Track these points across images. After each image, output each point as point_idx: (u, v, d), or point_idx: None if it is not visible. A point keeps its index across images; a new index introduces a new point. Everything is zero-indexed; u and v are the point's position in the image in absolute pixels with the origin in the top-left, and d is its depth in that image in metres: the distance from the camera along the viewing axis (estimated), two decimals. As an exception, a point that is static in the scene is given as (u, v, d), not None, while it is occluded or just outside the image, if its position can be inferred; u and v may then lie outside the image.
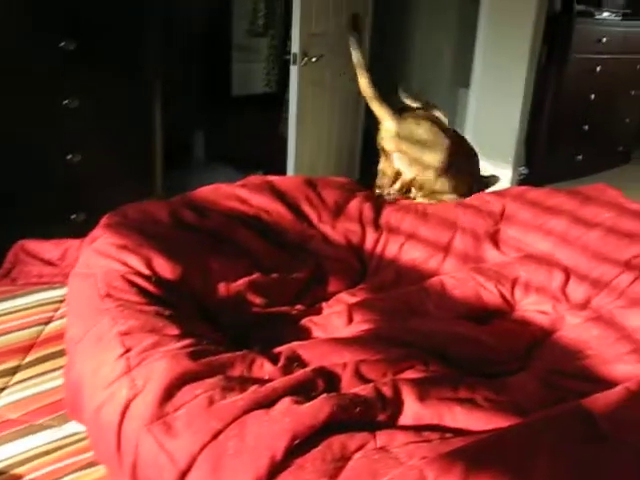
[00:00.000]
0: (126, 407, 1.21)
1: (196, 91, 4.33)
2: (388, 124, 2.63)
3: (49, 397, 1.51)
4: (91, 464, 1.32)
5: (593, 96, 5.39)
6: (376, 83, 2.70)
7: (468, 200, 2.47)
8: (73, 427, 1.42)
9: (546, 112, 5.13)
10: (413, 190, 2.65)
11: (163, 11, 3.32)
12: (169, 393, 1.20)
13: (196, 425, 1.13)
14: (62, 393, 1.48)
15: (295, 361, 1.41)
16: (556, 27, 4.96)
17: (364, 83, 2.68)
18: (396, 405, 1.27)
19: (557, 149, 5.28)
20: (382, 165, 2.72)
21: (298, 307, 1.85)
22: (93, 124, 3.12)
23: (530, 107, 4.80)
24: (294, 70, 3.73)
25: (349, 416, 1.19)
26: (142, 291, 1.58)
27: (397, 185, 2.63)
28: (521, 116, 4.71)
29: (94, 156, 3.14)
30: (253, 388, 1.22)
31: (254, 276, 1.86)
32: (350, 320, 1.73)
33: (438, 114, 2.69)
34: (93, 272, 1.66)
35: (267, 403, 1.18)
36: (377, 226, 2.29)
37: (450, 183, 2.62)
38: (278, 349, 1.47)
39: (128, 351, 1.33)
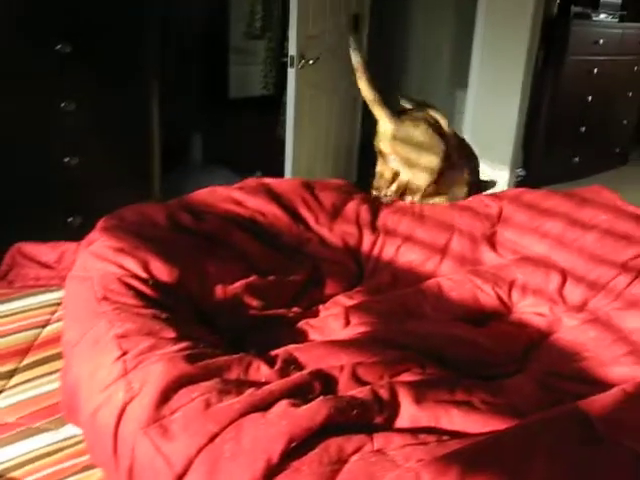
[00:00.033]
0: (123, 410, 1.21)
1: (194, 93, 4.33)
2: (386, 126, 2.63)
3: (46, 400, 1.51)
4: (88, 467, 1.32)
5: (590, 98, 5.40)
6: (376, 85, 2.70)
7: (465, 202, 2.48)
8: (70, 430, 1.42)
9: (543, 114, 5.14)
10: (408, 192, 2.65)
11: (160, 14, 3.32)
12: (166, 396, 1.20)
13: (192, 428, 1.13)
14: (59, 396, 1.48)
15: (292, 364, 1.41)
16: (553, 29, 4.98)
17: (364, 85, 2.68)
18: (393, 408, 1.28)
19: (554, 151, 5.29)
20: (379, 167, 2.72)
21: (295, 310, 1.85)
22: (90, 127, 3.12)
23: (527, 109, 4.81)
24: (291, 72, 3.74)
25: (346, 419, 1.19)
26: (139, 294, 1.58)
27: (394, 187, 2.63)
28: (518, 118, 4.71)
29: (91, 159, 3.13)
30: (250, 391, 1.22)
31: (251, 279, 1.86)
32: (347, 322, 1.73)
33: (438, 117, 2.69)
34: (90, 275, 1.66)
35: (264, 406, 1.18)
36: (374, 228, 2.29)
37: (447, 186, 2.62)
38: (275, 352, 1.47)
39: (125, 354, 1.33)
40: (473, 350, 1.65)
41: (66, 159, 3.05)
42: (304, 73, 3.79)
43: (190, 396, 1.20)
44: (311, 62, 3.81)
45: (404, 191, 2.65)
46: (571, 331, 1.76)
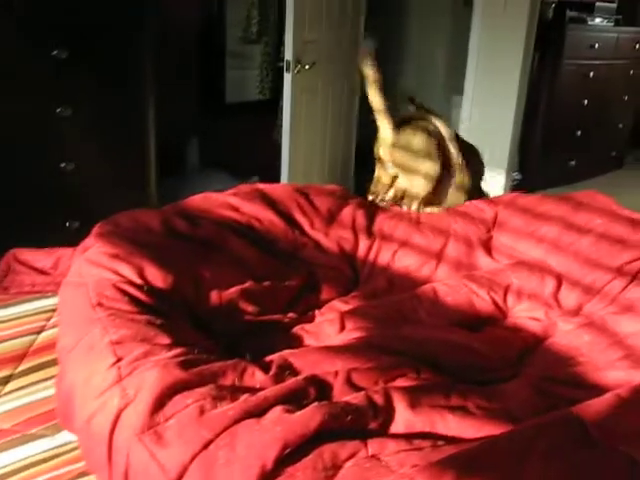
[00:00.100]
0: (117, 417, 1.21)
1: (190, 98, 4.32)
2: (386, 133, 2.65)
3: (42, 406, 1.50)
4: (83, 474, 1.32)
5: (586, 101, 5.40)
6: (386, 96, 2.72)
7: (461, 207, 2.48)
8: (66, 437, 1.42)
9: (539, 118, 5.15)
10: (406, 200, 2.67)
11: (157, 19, 3.33)
12: (160, 403, 1.20)
13: (187, 435, 1.13)
14: (55, 402, 1.48)
15: (287, 369, 1.41)
16: (549, 33, 4.98)
17: (375, 94, 2.70)
18: (387, 413, 1.28)
19: (550, 154, 5.30)
20: (377, 172, 2.74)
21: (290, 315, 1.85)
22: (86, 132, 3.12)
23: (523, 113, 4.82)
24: (287, 77, 3.74)
25: (340, 424, 1.19)
26: (134, 300, 1.58)
27: (391, 193, 2.65)
28: (514, 122, 4.72)
29: (88, 164, 3.13)
30: (244, 397, 1.22)
31: (246, 284, 1.86)
32: (342, 328, 1.73)
33: (439, 125, 2.70)
34: (85, 281, 1.66)
35: (258, 412, 1.18)
36: (370, 233, 2.30)
37: (444, 194, 2.64)
38: (270, 357, 1.47)
39: (119, 360, 1.33)
40: (468, 355, 1.65)
41: (62, 164, 3.05)
42: (300, 78, 3.79)
43: (185, 402, 1.20)
44: (307, 67, 3.81)
45: (401, 198, 2.66)
46: (566, 335, 1.76)
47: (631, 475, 1.11)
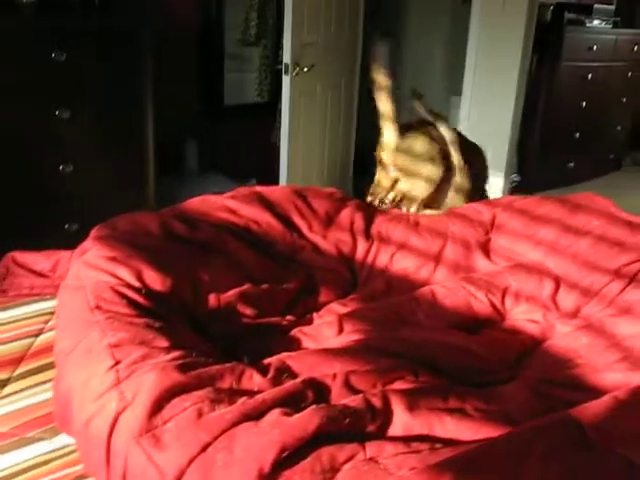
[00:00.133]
0: (115, 420, 1.21)
1: (189, 101, 4.33)
2: (390, 137, 2.66)
3: (40, 410, 1.50)
4: (81, 477, 1.32)
5: (584, 103, 5.41)
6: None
7: (459, 209, 2.48)
8: (64, 440, 1.41)
9: (538, 120, 5.16)
10: (405, 201, 2.69)
11: (156, 20, 3.33)
12: (158, 406, 1.20)
13: (185, 438, 1.13)
14: (52, 405, 1.48)
15: (285, 372, 1.41)
16: (547, 35, 4.99)
17: (384, 101, 2.71)
18: (386, 416, 1.28)
19: (549, 156, 5.30)
20: (378, 175, 2.75)
21: (289, 318, 1.85)
22: (85, 134, 3.13)
23: (521, 115, 4.83)
24: (286, 80, 3.74)
25: (338, 427, 1.19)
26: (132, 303, 1.58)
27: (390, 195, 2.66)
28: (512, 124, 4.73)
29: (87, 166, 3.14)
30: (242, 400, 1.22)
31: (244, 287, 1.86)
32: (340, 330, 1.73)
33: (443, 129, 2.72)
34: (83, 284, 1.66)
35: (256, 415, 1.18)
36: (368, 236, 2.30)
37: (443, 197, 2.66)
38: (268, 360, 1.47)
39: (117, 363, 1.33)
40: (466, 357, 1.65)
41: (61, 166, 3.05)
42: (299, 80, 3.80)
43: (182, 405, 1.20)
44: (306, 69, 3.81)
45: (400, 200, 2.67)
46: (564, 338, 1.76)
47: (629, 477, 1.11)
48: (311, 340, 1.71)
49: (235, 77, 4.58)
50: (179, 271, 1.78)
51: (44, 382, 1.59)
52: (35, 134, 2.97)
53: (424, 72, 5.74)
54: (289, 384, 1.32)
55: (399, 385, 1.43)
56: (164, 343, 1.41)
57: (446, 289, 1.98)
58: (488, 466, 1.10)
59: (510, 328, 1.87)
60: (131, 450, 1.15)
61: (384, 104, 2.71)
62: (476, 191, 2.78)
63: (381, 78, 2.72)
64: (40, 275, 2.07)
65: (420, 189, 2.66)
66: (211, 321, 1.73)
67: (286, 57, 3.69)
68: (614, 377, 1.53)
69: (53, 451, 1.39)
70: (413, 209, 2.63)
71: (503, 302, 1.96)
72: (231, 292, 1.82)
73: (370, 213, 2.42)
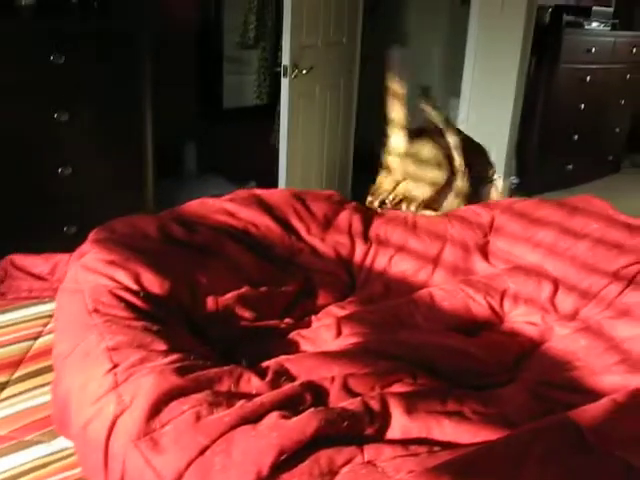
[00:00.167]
0: (113, 423, 1.21)
1: (188, 103, 4.33)
2: (399, 143, 2.69)
3: (38, 413, 1.50)
4: (79, 480, 1.32)
5: (583, 106, 5.42)
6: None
7: (458, 212, 2.49)
8: (62, 443, 1.41)
9: (536, 122, 5.16)
10: (405, 202, 2.71)
11: (154, 23, 3.33)
12: (156, 409, 1.19)
13: (183, 441, 1.13)
14: (51, 409, 1.48)
15: (283, 375, 1.41)
16: (545, 38, 5.00)
17: (398, 109, 2.76)
18: (384, 419, 1.27)
19: (548, 158, 5.31)
20: (380, 178, 2.80)
21: (287, 321, 1.84)
22: (84, 137, 3.13)
23: (520, 117, 4.83)
24: (285, 82, 3.75)
25: (336, 430, 1.19)
26: (130, 306, 1.58)
27: (391, 196, 2.69)
28: (511, 126, 4.73)
29: (85, 169, 3.14)
30: (240, 403, 1.22)
31: (243, 290, 1.85)
32: (339, 333, 1.72)
33: (449, 135, 2.79)
34: (81, 288, 1.65)
35: (254, 418, 1.18)
36: (366, 238, 2.29)
37: (444, 198, 2.72)
38: (266, 363, 1.46)
39: (116, 367, 1.33)
40: (465, 360, 1.65)
41: (60, 169, 3.05)
42: (298, 83, 3.80)
43: (181, 409, 1.19)
44: (305, 72, 3.82)
45: (400, 201, 2.70)
46: (562, 340, 1.76)
47: (627, 480, 1.11)
48: (309, 343, 1.71)
49: (234, 79, 4.58)
50: (177, 274, 1.78)
51: (43, 385, 1.58)
52: (34, 136, 2.97)
53: (423, 73, 5.75)
54: (287, 387, 1.32)
55: (397, 388, 1.43)
56: (162, 346, 1.41)
57: (444, 291, 1.98)
58: (486, 469, 1.10)
59: (509, 330, 1.87)
60: (129, 453, 1.15)
61: (397, 112, 2.74)
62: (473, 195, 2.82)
63: (396, 86, 2.76)
64: (39, 278, 2.07)
65: (422, 191, 2.73)
66: (209, 324, 1.72)
67: (285, 59, 3.70)
68: (612, 380, 1.53)
69: (52, 454, 1.39)
70: (412, 208, 2.65)
71: (502, 304, 1.96)
72: (229, 295, 1.82)
73: (368, 215, 2.42)
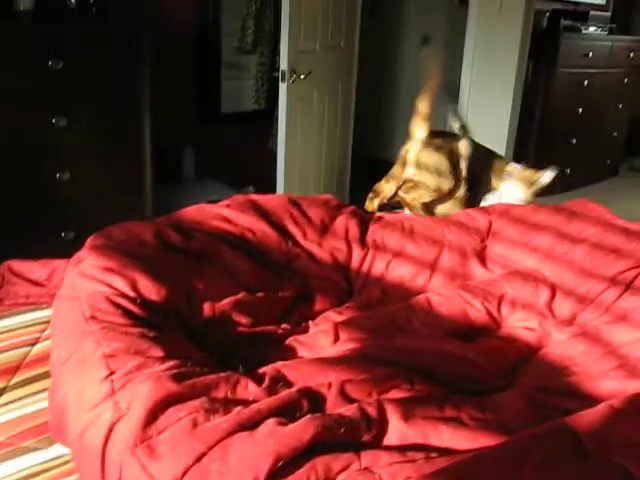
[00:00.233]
0: (110, 430, 1.21)
1: (186, 108, 4.33)
2: (420, 132, 2.88)
3: (36, 419, 1.50)
4: (76, 487, 1.32)
5: (581, 110, 5.43)
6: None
7: (455, 216, 2.49)
8: (59, 450, 1.41)
9: (534, 126, 5.17)
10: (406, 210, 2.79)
11: (153, 28, 3.34)
12: (153, 416, 1.19)
13: (179, 448, 1.13)
14: (48, 415, 1.48)
15: (280, 381, 1.41)
16: (543, 42, 5.01)
17: (427, 102, 2.93)
18: (381, 425, 1.27)
19: (545, 162, 5.29)
20: (382, 184, 2.92)
21: (284, 326, 1.84)
22: (82, 142, 3.13)
23: (518, 121, 4.83)
24: (283, 87, 3.75)
25: (333, 437, 1.19)
26: (127, 313, 1.58)
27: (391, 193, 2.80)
28: (509, 130, 4.73)
29: (83, 174, 3.14)
30: (237, 410, 1.22)
31: (239, 296, 1.85)
32: (336, 339, 1.72)
33: (461, 145, 2.93)
34: (78, 295, 1.65)
35: (251, 425, 1.18)
36: (363, 244, 2.29)
37: (442, 202, 2.82)
38: (263, 369, 1.46)
39: (112, 373, 1.33)
40: (462, 366, 1.65)
41: (58, 174, 3.05)
42: (296, 87, 3.81)
43: (177, 415, 1.19)
44: (303, 77, 3.82)
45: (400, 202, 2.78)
46: (560, 345, 1.76)
47: (624, 486, 1.11)
48: (306, 349, 1.71)
49: (232, 85, 4.58)
50: (174, 280, 1.78)
51: (40, 391, 1.58)
52: (32, 141, 2.97)
53: (421, 79, 5.75)
54: (284, 393, 1.32)
55: (395, 394, 1.43)
56: (159, 353, 1.41)
57: (442, 297, 1.98)
58: (484, 475, 1.09)
59: (506, 336, 1.87)
60: (126, 460, 1.15)
61: (425, 105, 2.92)
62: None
63: (423, 105, 2.91)
64: (36, 284, 2.07)
65: (425, 196, 2.85)
66: (206, 330, 1.72)
67: (283, 64, 3.70)
68: (610, 385, 1.53)
69: (49, 461, 1.39)
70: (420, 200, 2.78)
71: (499, 310, 1.96)
72: (226, 301, 1.81)
73: (365, 220, 2.41)
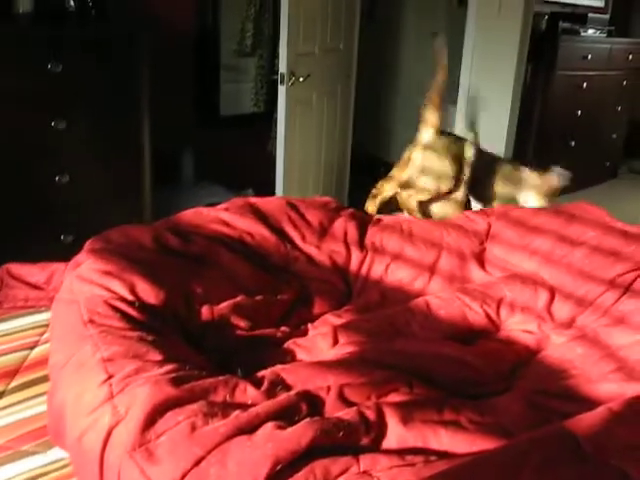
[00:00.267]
0: (109, 434, 1.21)
1: (185, 111, 4.33)
2: (426, 136, 2.92)
3: (34, 423, 1.50)
4: (75, 491, 1.32)
5: (579, 112, 5.43)
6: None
7: (453, 219, 2.49)
8: (58, 453, 1.41)
9: (533, 128, 5.17)
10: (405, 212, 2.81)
11: (152, 31, 3.34)
12: (151, 420, 1.19)
13: (178, 452, 1.13)
14: (47, 419, 1.48)
15: (278, 385, 1.40)
16: (542, 44, 5.01)
17: (434, 114, 2.95)
18: (380, 428, 1.27)
19: (544, 165, 5.30)
20: (383, 187, 2.99)
21: (283, 329, 1.84)
22: (81, 145, 3.13)
23: (517, 124, 4.83)
24: (282, 90, 3.75)
25: (332, 440, 1.19)
26: (125, 316, 1.58)
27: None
28: (508, 133, 4.73)
29: (83, 177, 3.14)
30: (236, 413, 1.22)
31: (238, 299, 1.85)
32: (335, 342, 1.72)
33: (467, 148, 2.97)
34: (76, 298, 1.65)
35: (249, 428, 1.18)
36: (362, 246, 2.29)
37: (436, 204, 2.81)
38: (262, 373, 1.46)
39: (111, 377, 1.33)
40: (461, 369, 1.65)
41: (57, 177, 3.05)
42: (295, 90, 3.81)
43: (176, 419, 1.19)
44: (302, 79, 3.82)
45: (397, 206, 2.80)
46: (559, 348, 1.76)
47: (623, 489, 1.11)
48: (305, 352, 1.71)
49: (231, 87, 4.59)
50: (172, 284, 1.78)
51: (39, 395, 1.58)
52: (31, 145, 2.96)
53: (421, 82, 5.76)
54: (283, 397, 1.32)
55: (393, 397, 1.43)
56: (157, 356, 1.41)
57: (441, 300, 1.98)
58: (483, 479, 1.09)
59: (505, 339, 1.87)
60: (124, 464, 1.15)
61: (433, 116, 2.93)
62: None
63: (431, 116, 2.93)
64: (35, 287, 2.07)
65: (422, 194, 2.89)
66: (205, 334, 1.72)
67: (282, 67, 3.70)
68: (609, 388, 1.53)
69: (47, 465, 1.39)
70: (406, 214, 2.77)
71: (498, 313, 1.96)
72: (225, 304, 1.81)
73: (364, 223, 2.41)
